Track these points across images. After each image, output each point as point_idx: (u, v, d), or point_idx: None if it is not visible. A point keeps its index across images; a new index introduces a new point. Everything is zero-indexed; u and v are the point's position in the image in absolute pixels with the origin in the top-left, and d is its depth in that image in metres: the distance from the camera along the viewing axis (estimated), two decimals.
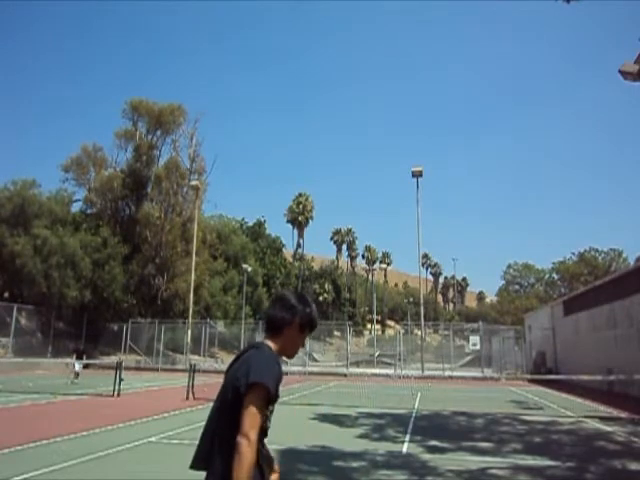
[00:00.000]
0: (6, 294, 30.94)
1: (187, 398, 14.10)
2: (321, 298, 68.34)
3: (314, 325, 2.15)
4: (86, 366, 28.14)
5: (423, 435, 9.08)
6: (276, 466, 2.08)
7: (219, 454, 1.86)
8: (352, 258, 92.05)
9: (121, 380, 14.65)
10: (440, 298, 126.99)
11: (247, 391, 1.86)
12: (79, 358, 19.43)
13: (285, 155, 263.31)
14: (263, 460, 1.94)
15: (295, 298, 2.13)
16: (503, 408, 13.90)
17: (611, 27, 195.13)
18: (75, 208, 37.66)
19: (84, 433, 8.43)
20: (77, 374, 18.65)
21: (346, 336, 36.90)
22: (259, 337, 38.04)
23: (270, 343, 2.06)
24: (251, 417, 1.83)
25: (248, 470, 1.76)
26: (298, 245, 71.09)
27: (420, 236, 30.12)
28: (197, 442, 1.98)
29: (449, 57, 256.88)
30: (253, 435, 1.81)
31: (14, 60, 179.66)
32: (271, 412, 1.98)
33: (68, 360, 21.77)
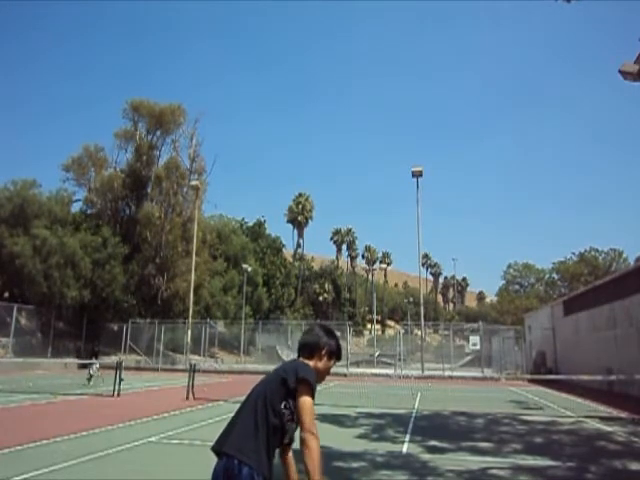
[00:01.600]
0: (6, 294, 30.92)
1: (187, 398, 14.09)
2: (321, 298, 68.40)
3: (339, 355, 2.53)
4: (86, 366, 28.25)
5: (423, 435, 9.07)
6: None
7: (254, 436, 2.12)
8: (352, 258, 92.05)
9: (121, 380, 14.65)
10: (440, 298, 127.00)
11: (297, 386, 2.18)
12: (95, 358, 19.07)
13: (285, 155, 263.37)
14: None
15: (323, 331, 2.52)
16: (503, 408, 13.90)
17: (611, 27, 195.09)
18: (75, 208, 37.70)
19: (84, 433, 8.42)
20: (91, 375, 18.18)
21: (346, 336, 36.86)
22: (259, 337, 38.07)
23: (306, 361, 2.42)
24: (309, 412, 2.13)
25: (319, 460, 2.04)
26: (298, 245, 71.14)
27: (420, 236, 30.14)
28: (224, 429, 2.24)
29: (449, 57, 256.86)
30: (314, 428, 2.08)
31: (14, 60, 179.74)
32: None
33: (88, 361, 21.60)
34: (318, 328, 2.57)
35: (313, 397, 2.20)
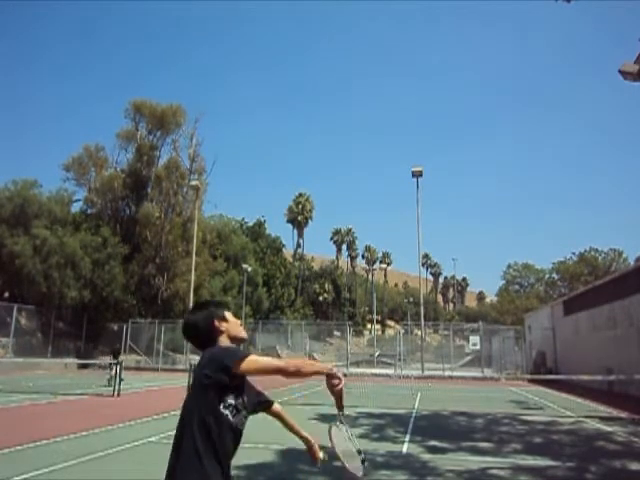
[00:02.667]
0: (6, 294, 30.92)
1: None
2: (321, 298, 68.35)
3: (222, 304, 2.30)
4: (86, 366, 28.25)
5: (423, 435, 9.07)
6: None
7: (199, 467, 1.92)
8: (352, 258, 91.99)
9: (121, 380, 14.65)
10: (440, 298, 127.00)
11: (234, 372, 1.93)
12: (115, 359, 18.27)
13: (285, 155, 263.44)
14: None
15: (194, 313, 2.22)
16: (503, 408, 13.90)
17: (611, 27, 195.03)
18: (75, 208, 37.71)
19: (84, 433, 8.42)
20: (112, 377, 17.46)
21: (346, 336, 36.91)
22: (259, 337, 38.05)
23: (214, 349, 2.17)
24: (261, 363, 1.95)
25: (303, 362, 1.95)
26: (298, 245, 71.10)
27: (420, 236, 30.09)
28: None
29: (449, 57, 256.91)
30: (276, 362, 1.96)
31: (15, 60, 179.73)
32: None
33: (106, 360, 21.15)
34: (188, 315, 2.22)
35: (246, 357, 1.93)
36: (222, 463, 1.94)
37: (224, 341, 2.14)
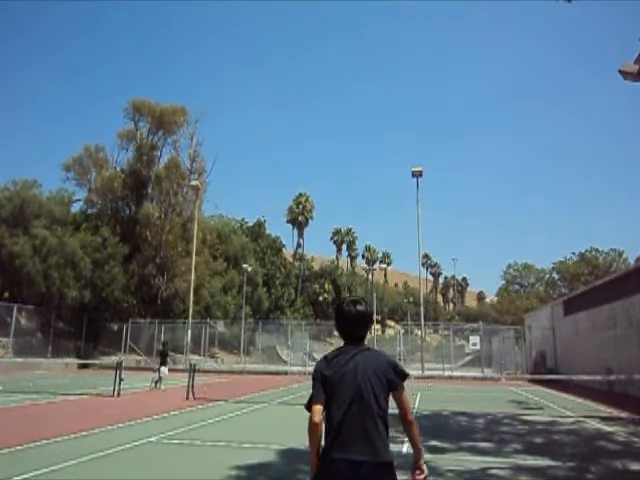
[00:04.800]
0: (6, 294, 30.91)
1: (187, 398, 14.08)
2: (321, 298, 68.28)
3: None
4: (86, 366, 28.26)
5: (423, 435, 9.02)
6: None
7: (378, 435, 2.28)
8: (352, 258, 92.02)
9: (121, 380, 14.63)
10: (440, 298, 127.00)
11: (401, 381, 2.44)
12: (163, 361, 17.97)
13: (285, 155, 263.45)
14: None
15: (367, 308, 2.51)
16: (503, 408, 13.89)
17: (611, 27, 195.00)
18: (76, 208, 37.72)
19: (84, 433, 8.42)
20: (161, 379, 17.49)
21: None
22: (259, 337, 38.07)
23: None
24: (408, 400, 2.46)
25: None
26: (298, 245, 71.08)
27: (420, 236, 29.99)
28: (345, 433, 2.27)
29: (450, 57, 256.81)
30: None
31: (15, 60, 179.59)
32: None
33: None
34: (366, 309, 2.49)
35: None
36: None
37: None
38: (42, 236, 30.14)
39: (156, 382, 17.54)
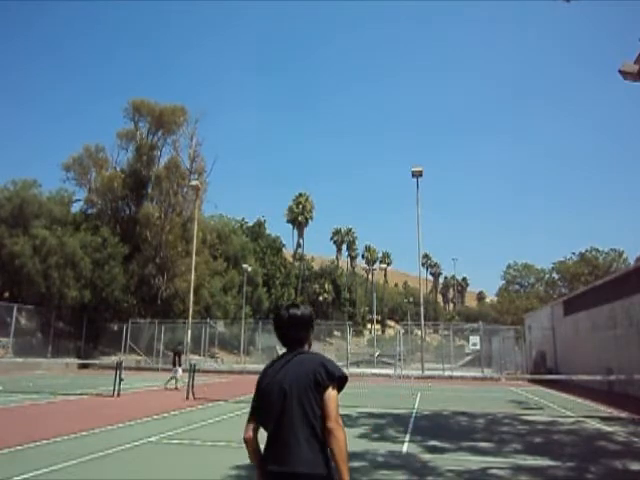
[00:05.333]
0: (6, 294, 30.91)
1: (187, 398, 14.08)
2: (321, 298, 68.27)
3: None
4: (86, 366, 28.26)
5: (423, 435, 9.06)
6: None
7: (306, 444, 2.07)
8: (352, 258, 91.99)
9: (121, 380, 14.63)
10: (440, 298, 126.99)
11: (332, 383, 2.15)
12: (178, 362, 17.96)
13: (285, 155, 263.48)
14: None
15: (307, 311, 2.39)
16: (503, 408, 13.89)
17: (611, 27, 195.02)
18: (75, 208, 37.70)
19: (84, 433, 8.42)
20: (176, 379, 17.56)
21: (346, 336, 36.89)
22: (259, 337, 38.03)
23: (306, 348, 2.36)
24: (336, 404, 2.14)
25: (346, 450, 2.04)
26: (298, 245, 71.06)
27: (420, 236, 30.06)
28: (269, 442, 2.18)
29: (450, 57, 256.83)
30: (340, 419, 2.10)
31: (15, 59, 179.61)
32: None
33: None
34: (301, 311, 2.36)
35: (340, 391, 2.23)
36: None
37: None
38: (42, 236, 30.13)
39: (169, 380, 17.70)
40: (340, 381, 2.19)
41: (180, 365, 18.26)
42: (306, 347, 2.34)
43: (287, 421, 2.12)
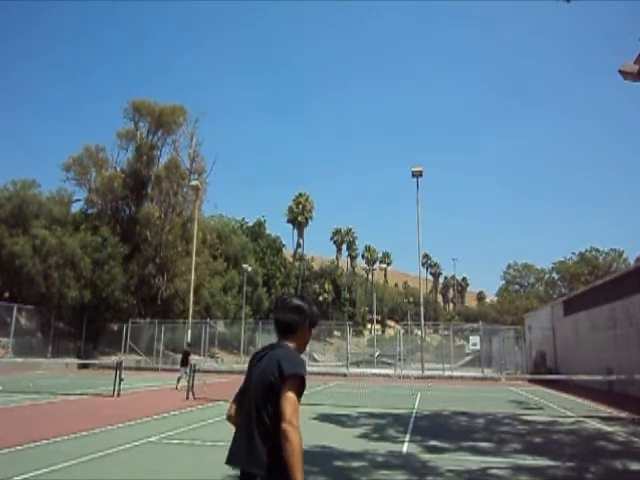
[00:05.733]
0: (6, 294, 30.91)
1: (187, 398, 14.09)
2: (321, 298, 68.29)
3: (318, 322, 2.43)
4: (86, 366, 28.25)
5: (423, 435, 9.06)
6: None
7: (262, 446, 2.03)
8: (352, 258, 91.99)
9: (121, 380, 14.63)
10: (440, 298, 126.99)
11: (283, 382, 2.04)
12: (185, 362, 17.51)
13: (285, 155, 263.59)
14: None
15: (302, 301, 2.35)
16: (503, 408, 13.89)
17: (611, 27, 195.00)
18: (75, 208, 37.68)
19: (84, 433, 8.42)
20: (179, 379, 17.35)
21: (346, 336, 36.89)
22: (259, 337, 38.00)
23: (287, 343, 2.27)
24: (291, 405, 2.00)
25: (299, 453, 1.92)
26: (298, 245, 71.06)
27: (420, 236, 30.10)
28: (232, 440, 2.20)
29: (450, 57, 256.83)
30: (296, 421, 1.97)
31: (15, 59, 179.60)
32: None
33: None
34: (297, 299, 2.36)
35: (304, 388, 2.11)
36: None
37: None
38: (42, 236, 30.12)
39: (179, 380, 17.57)
40: (292, 379, 2.05)
41: (188, 365, 17.99)
42: (294, 340, 2.28)
43: (246, 420, 2.17)
